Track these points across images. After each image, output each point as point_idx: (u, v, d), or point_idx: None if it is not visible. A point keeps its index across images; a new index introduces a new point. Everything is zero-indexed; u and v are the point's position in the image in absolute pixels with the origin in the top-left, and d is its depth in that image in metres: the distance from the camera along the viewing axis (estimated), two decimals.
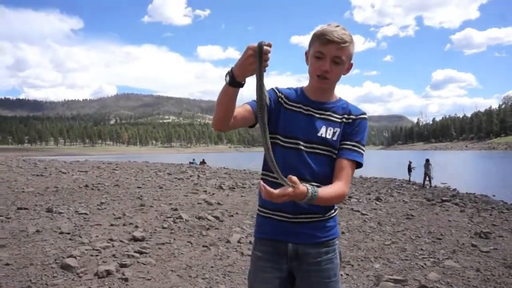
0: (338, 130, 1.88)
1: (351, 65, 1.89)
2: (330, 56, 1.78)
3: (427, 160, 21.57)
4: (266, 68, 1.50)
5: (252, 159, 58.36)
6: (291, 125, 1.88)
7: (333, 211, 1.93)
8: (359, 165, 1.88)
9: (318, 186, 1.73)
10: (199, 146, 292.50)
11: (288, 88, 1.99)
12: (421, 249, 6.70)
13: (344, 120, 1.90)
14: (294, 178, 1.54)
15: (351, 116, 1.91)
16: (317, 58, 1.81)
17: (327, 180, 1.82)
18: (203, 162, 36.91)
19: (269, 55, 1.49)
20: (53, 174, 17.79)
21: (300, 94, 1.95)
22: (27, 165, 24.80)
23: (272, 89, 1.95)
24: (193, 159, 40.41)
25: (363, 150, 1.89)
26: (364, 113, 1.94)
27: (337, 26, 1.81)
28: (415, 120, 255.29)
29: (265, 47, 1.47)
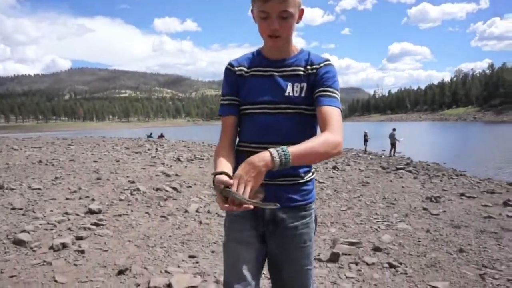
0: (304, 85, 1.77)
1: (302, 11, 1.76)
2: (275, 13, 1.65)
3: (394, 130, 22.50)
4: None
5: (210, 131, 57.93)
6: (254, 91, 1.80)
7: (310, 173, 1.86)
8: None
9: None
10: (157, 120, 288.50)
11: (243, 55, 1.91)
12: (376, 214, 6.93)
13: (309, 71, 1.78)
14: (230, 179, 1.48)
15: (315, 66, 1.78)
16: (263, 19, 1.69)
17: (300, 141, 1.59)
18: (161, 136, 36.41)
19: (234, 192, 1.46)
20: (4, 151, 17.08)
21: (256, 57, 1.87)
22: None
23: (227, 69, 1.88)
24: (150, 133, 39.80)
25: (338, 95, 1.75)
26: (328, 60, 1.80)
27: None
28: (371, 92, 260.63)
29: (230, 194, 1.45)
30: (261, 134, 1.76)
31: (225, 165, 1.66)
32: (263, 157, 1.44)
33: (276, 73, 1.79)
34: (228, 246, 1.84)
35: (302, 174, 1.81)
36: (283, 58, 1.81)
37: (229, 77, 1.87)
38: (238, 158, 1.75)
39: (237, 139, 1.89)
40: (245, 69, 1.84)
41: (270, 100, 1.76)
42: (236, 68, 1.86)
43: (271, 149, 1.46)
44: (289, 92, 1.75)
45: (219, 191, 1.48)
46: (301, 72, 1.78)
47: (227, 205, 1.46)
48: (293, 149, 1.47)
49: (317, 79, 1.75)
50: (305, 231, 1.81)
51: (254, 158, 1.45)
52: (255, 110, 1.78)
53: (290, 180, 1.78)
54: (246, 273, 1.74)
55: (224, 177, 1.51)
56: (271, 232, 1.80)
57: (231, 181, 1.47)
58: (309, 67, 1.78)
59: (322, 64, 1.78)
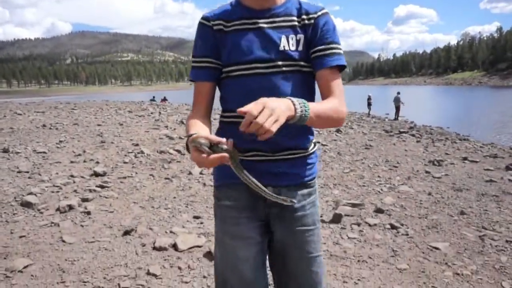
0: (301, 37, 1.46)
1: None
2: None
3: (398, 93, 22.51)
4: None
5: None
6: (241, 48, 1.45)
7: (313, 144, 1.60)
8: (342, 68, 1.49)
9: None
10: (160, 84, 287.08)
11: (219, 7, 1.55)
12: (378, 176, 6.98)
13: (305, 21, 1.48)
14: (248, 107, 1.14)
15: (311, 16, 1.48)
16: None
17: None
18: (164, 100, 36.28)
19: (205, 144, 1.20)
20: (8, 115, 17.12)
21: (236, 7, 1.51)
22: None
23: (201, 24, 1.51)
24: (153, 97, 39.64)
25: (341, 49, 1.49)
26: (323, 8, 1.51)
27: None
28: (376, 56, 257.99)
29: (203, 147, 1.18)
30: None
31: (201, 127, 1.38)
32: (285, 101, 1.20)
33: (264, 24, 1.46)
34: (223, 241, 1.56)
35: (307, 145, 1.56)
36: (268, 8, 1.48)
37: (204, 34, 1.51)
38: (225, 131, 1.49)
39: (220, 109, 1.58)
40: (224, 23, 1.49)
41: (262, 57, 1.43)
42: (212, 22, 1.49)
43: (291, 97, 1.24)
44: (284, 46, 1.44)
45: (198, 145, 1.18)
46: (296, 23, 1.48)
47: (204, 156, 1.18)
48: (312, 105, 1.28)
49: (315, 32, 1.47)
50: (313, 211, 1.58)
51: (274, 98, 1.19)
52: (244, 72, 1.45)
53: (294, 154, 1.51)
54: (250, 274, 1.50)
55: (203, 136, 1.23)
56: (275, 215, 1.52)
57: (217, 138, 1.21)
58: (304, 16, 1.48)
59: (319, 13, 1.49)
